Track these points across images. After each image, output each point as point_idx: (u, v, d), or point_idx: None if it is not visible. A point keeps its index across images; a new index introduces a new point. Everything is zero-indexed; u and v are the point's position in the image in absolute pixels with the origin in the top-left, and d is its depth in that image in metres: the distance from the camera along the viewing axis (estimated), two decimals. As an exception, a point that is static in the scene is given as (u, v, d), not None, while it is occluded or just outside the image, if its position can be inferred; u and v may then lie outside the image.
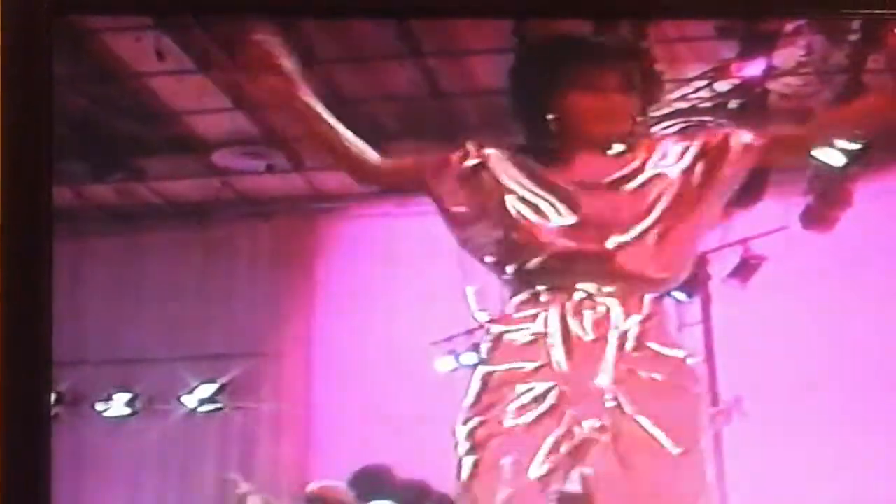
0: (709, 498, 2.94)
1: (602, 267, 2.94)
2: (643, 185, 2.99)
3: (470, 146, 3.19)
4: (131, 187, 9.81)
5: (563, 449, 2.87)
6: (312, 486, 6.91)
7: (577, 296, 2.93)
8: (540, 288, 3.01)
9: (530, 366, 2.98)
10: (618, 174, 2.99)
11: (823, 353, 8.70)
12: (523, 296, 3.04)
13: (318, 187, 10.22)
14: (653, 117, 3.29)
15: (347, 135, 3.23)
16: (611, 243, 2.92)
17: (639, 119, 3.05)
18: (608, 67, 3.00)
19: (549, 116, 3.03)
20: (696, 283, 7.82)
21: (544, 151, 3.09)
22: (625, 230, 2.95)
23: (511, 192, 3.05)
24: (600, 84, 2.98)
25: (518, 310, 3.04)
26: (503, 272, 3.09)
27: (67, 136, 8.14)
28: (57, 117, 7.98)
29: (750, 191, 3.19)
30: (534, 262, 3.01)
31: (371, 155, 3.23)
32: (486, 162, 3.13)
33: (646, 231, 2.94)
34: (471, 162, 3.14)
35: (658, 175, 3.00)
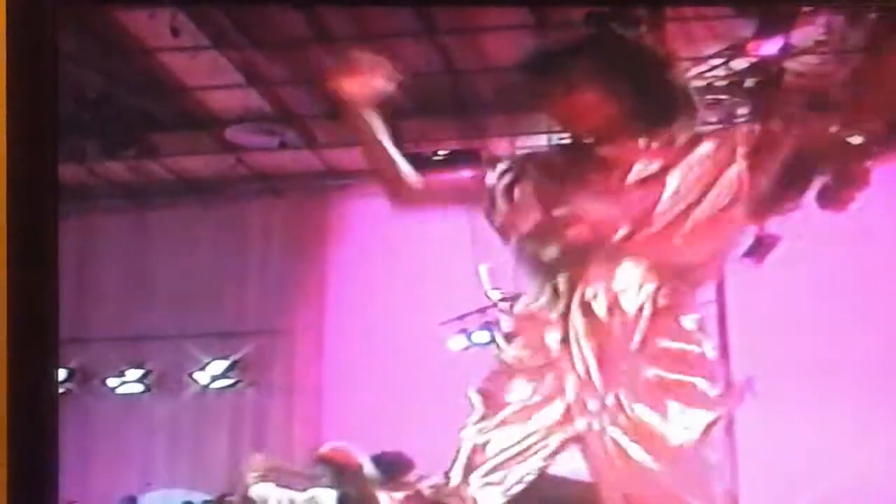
0: (716, 483, 2.92)
1: (618, 258, 2.92)
2: (660, 178, 2.95)
3: (500, 155, 3.19)
4: (144, 164, 9.79)
5: (564, 434, 2.86)
6: (322, 449, 6.93)
7: (591, 288, 2.91)
8: (557, 278, 2.99)
9: (541, 353, 2.96)
10: (635, 172, 2.95)
11: (838, 333, 8.68)
12: (540, 285, 3.02)
13: (331, 164, 10.21)
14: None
15: (396, 157, 3.22)
16: (627, 234, 2.90)
17: (627, 106, 2.98)
18: (559, 67, 2.98)
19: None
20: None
21: (566, 150, 3.08)
22: (644, 222, 2.92)
23: (543, 195, 3.01)
24: (557, 89, 2.98)
25: (535, 298, 3.02)
26: (526, 261, 3.07)
27: (81, 113, 8.15)
28: (70, 94, 7.95)
29: (790, 189, 3.13)
30: (553, 252, 2.99)
31: (409, 177, 3.22)
32: (518, 174, 3.09)
33: (668, 223, 2.91)
34: (506, 179, 3.10)
35: (678, 170, 2.96)
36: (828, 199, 8.23)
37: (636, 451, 2.83)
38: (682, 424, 2.85)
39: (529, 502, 2.88)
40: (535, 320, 3.00)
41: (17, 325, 2.01)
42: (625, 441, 2.84)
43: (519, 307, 3.07)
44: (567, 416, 2.87)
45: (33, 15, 2.06)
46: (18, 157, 1.99)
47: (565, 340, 2.93)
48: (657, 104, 3.00)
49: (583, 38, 3.11)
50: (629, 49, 3.09)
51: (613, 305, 2.91)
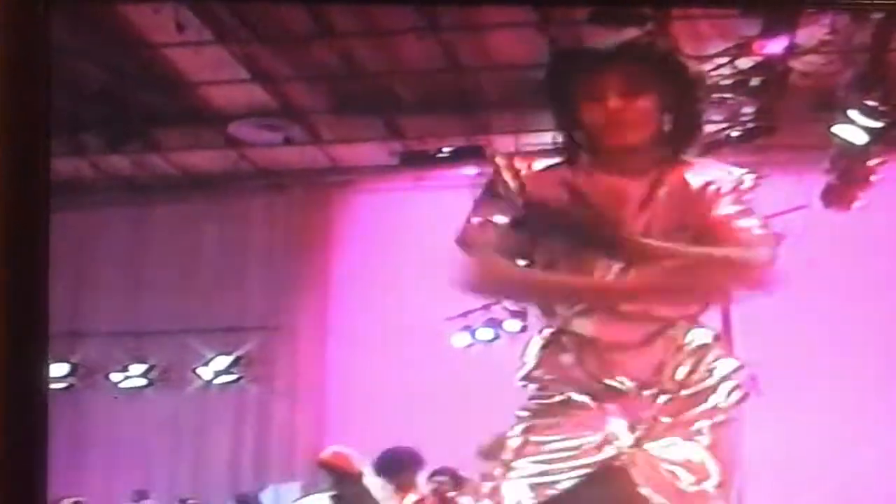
0: None
1: (636, 292, 2.88)
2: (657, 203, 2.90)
3: (506, 162, 3.09)
4: (147, 159, 9.80)
5: (589, 461, 2.85)
6: (324, 454, 6.92)
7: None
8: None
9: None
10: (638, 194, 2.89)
11: (842, 332, 8.67)
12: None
13: (335, 160, 10.20)
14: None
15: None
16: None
17: (667, 120, 2.91)
18: (608, 74, 2.88)
19: (573, 132, 2.95)
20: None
21: (577, 162, 2.98)
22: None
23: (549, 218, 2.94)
24: (601, 92, 2.86)
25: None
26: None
27: (85, 108, 8.14)
28: (75, 88, 7.94)
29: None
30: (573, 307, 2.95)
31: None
32: (524, 185, 3.00)
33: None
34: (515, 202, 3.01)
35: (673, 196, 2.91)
36: (832, 198, 8.25)
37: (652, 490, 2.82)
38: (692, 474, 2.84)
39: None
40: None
41: (8, 322, 2.00)
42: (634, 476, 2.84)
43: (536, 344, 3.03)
44: (598, 446, 2.86)
45: (26, 9, 2.05)
46: (10, 150, 1.98)
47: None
48: (687, 127, 2.96)
49: (640, 45, 2.99)
50: (678, 65, 3.00)
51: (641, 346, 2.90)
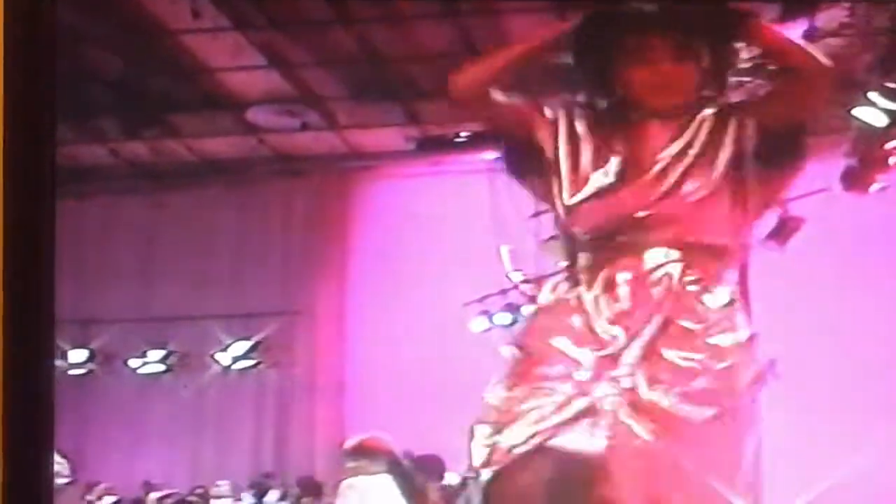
0: (742, 470, 2.90)
1: (645, 236, 2.90)
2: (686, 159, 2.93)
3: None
4: (166, 145, 9.82)
5: (578, 407, 2.84)
6: (352, 441, 6.88)
7: (616, 267, 2.89)
8: (582, 255, 2.97)
9: (564, 332, 2.94)
10: (673, 149, 2.92)
11: (861, 316, 8.65)
12: (566, 259, 3.00)
13: (353, 146, 10.20)
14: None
15: None
16: (655, 211, 2.87)
17: (708, 91, 2.96)
18: (660, 38, 2.91)
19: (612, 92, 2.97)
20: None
21: (609, 123, 3.02)
22: (672, 198, 2.89)
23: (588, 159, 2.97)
24: (652, 56, 2.90)
25: (560, 275, 3.00)
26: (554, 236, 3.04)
27: (103, 95, 8.17)
28: (93, 76, 7.94)
29: (786, 154, 3.12)
30: (582, 230, 2.97)
31: None
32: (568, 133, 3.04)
33: (693, 200, 2.89)
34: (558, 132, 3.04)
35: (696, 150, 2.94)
36: (851, 181, 8.22)
37: (649, 432, 2.81)
38: (701, 406, 2.83)
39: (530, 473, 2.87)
40: (559, 302, 2.98)
41: (12, 312, 2.01)
42: (638, 421, 2.82)
43: (544, 292, 3.04)
44: (583, 389, 2.85)
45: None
46: (16, 134, 1.98)
47: (588, 318, 2.91)
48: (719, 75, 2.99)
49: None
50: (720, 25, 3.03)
51: (637, 285, 2.89)
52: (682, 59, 2.95)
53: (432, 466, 6.85)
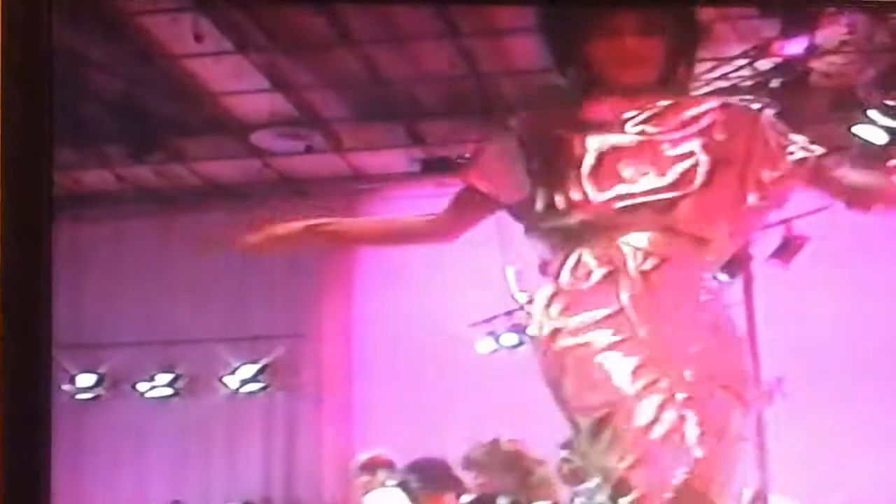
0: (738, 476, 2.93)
1: (644, 222, 2.92)
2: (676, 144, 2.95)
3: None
4: (170, 168, 9.84)
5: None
6: (364, 456, 6.90)
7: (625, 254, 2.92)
8: (583, 249, 3.01)
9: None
10: (643, 115, 2.92)
11: (867, 335, 8.63)
12: (571, 258, 3.03)
13: (357, 168, 10.23)
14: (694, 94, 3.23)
15: None
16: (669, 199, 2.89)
17: (677, 66, 2.98)
18: (625, 10, 2.93)
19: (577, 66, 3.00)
20: (737, 264, 7.77)
21: (577, 99, 3.04)
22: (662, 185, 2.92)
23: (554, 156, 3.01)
24: (618, 28, 2.91)
25: (571, 274, 3.03)
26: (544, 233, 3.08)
27: (105, 119, 8.19)
28: (94, 99, 7.97)
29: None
30: (575, 221, 2.99)
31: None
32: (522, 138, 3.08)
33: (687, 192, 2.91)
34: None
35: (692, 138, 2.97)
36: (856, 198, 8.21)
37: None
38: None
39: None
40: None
41: (12, 331, 2.02)
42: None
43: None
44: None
45: (30, 16, 2.07)
46: (14, 155, 2.00)
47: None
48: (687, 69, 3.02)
49: None
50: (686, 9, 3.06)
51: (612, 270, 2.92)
52: (648, 32, 2.97)
53: (441, 476, 6.85)
